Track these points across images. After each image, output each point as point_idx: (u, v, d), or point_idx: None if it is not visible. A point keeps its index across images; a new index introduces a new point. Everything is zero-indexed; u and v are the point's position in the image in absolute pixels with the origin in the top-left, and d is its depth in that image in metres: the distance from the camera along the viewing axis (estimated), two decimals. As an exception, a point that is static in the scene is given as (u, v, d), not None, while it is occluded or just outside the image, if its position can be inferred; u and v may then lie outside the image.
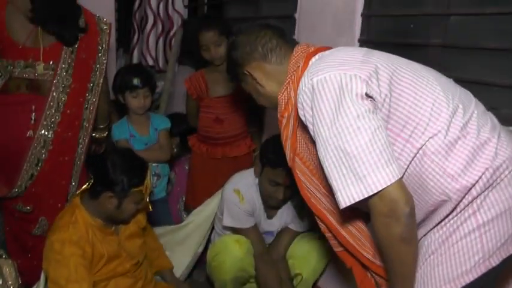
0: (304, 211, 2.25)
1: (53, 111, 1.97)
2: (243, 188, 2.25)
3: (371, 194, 1.17)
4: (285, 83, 1.40)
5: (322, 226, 1.51)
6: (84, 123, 2.07)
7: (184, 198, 2.82)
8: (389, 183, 1.16)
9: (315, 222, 1.53)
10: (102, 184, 1.80)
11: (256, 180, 2.25)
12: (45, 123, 1.95)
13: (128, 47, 3.65)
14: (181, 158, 2.89)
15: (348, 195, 1.19)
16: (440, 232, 1.30)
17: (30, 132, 1.93)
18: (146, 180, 1.87)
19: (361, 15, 2.19)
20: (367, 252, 1.45)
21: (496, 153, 1.27)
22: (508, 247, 1.27)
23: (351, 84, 1.21)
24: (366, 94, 1.22)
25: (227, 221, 2.26)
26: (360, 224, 1.46)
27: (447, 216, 1.29)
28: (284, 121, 1.42)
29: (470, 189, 1.25)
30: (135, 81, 2.38)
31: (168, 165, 2.63)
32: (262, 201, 2.26)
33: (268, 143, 2.23)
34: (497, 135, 1.30)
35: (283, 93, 1.41)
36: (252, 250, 2.27)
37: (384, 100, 1.24)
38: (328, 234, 1.52)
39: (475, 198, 1.26)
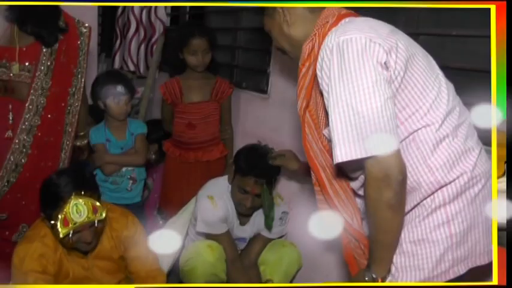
0: (271, 221, 2.30)
1: (32, 114, 1.96)
2: (217, 195, 2.30)
3: (369, 155, 1.20)
4: (312, 34, 1.42)
5: (314, 178, 1.55)
6: (67, 128, 2.07)
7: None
8: (389, 150, 1.20)
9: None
10: None
11: (230, 187, 2.30)
12: (23, 127, 1.94)
13: (110, 51, 3.70)
14: (160, 165, 2.93)
15: (346, 151, 1.22)
16: (416, 231, 1.35)
17: (9, 133, 1.92)
18: (62, 214, 1.69)
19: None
20: (347, 214, 1.48)
21: (476, 164, 1.33)
22: (475, 259, 1.35)
23: (374, 51, 1.24)
24: (385, 63, 1.25)
25: (200, 227, 2.30)
26: (347, 187, 1.49)
27: (412, 209, 1.35)
28: (304, 70, 1.44)
29: (442, 187, 1.31)
30: (119, 88, 2.40)
31: (145, 171, 2.65)
32: (235, 208, 2.31)
33: (241, 151, 2.31)
34: (479, 148, 1.37)
35: (308, 44, 1.43)
36: (224, 256, 2.30)
37: (396, 77, 1.28)
38: (317, 188, 1.56)
39: (448, 204, 1.31)
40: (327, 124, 1.34)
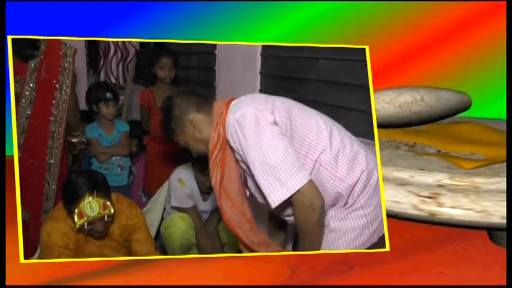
0: None
1: (24, 119, 2.08)
2: (185, 177, 2.52)
3: (292, 193, 1.35)
4: (214, 125, 1.54)
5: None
6: (55, 135, 2.16)
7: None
8: (304, 183, 1.35)
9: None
10: None
11: (194, 172, 2.48)
12: (17, 129, 2.00)
13: (96, 68, 4.13)
14: (141, 155, 3.17)
15: (276, 197, 1.36)
16: (340, 212, 1.54)
17: None
18: (78, 208, 1.82)
19: (260, 55, 2.67)
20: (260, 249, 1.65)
21: (367, 161, 1.51)
22: (381, 229, 1.57)
23: (262, 116, 1.41)
24: (274, 121, 1.42)
25: (174, 202, 2.53)
26: (264, 236, 1.68)
27: (343, 207, 1.55)
28: (216, 152, 1.55)
29: (354, 187, 1.50)
30: (108, 94, 2.71)
31: (130, 160, 2.91)
32: (198, 187, 2.54)
33: None
34: (364, 148, 1.55)
35: (214, 131, 1.54)
36: (192, 224, 2.53)
37: (287, 127, 1.44)
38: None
39: (360, 195, 1.51)
40: (246, 185, 1.57)
